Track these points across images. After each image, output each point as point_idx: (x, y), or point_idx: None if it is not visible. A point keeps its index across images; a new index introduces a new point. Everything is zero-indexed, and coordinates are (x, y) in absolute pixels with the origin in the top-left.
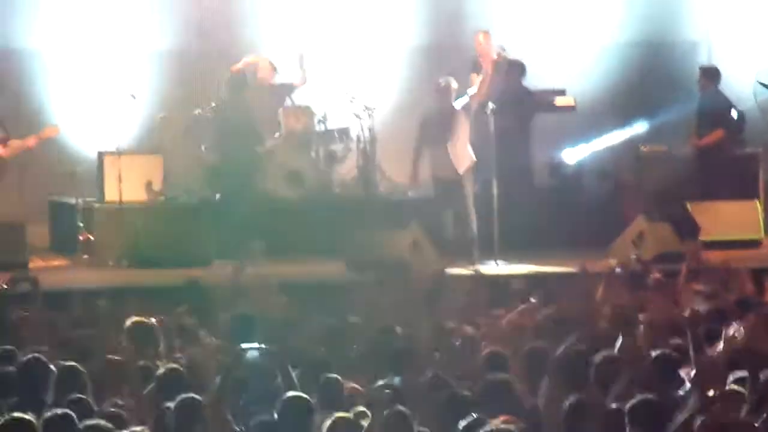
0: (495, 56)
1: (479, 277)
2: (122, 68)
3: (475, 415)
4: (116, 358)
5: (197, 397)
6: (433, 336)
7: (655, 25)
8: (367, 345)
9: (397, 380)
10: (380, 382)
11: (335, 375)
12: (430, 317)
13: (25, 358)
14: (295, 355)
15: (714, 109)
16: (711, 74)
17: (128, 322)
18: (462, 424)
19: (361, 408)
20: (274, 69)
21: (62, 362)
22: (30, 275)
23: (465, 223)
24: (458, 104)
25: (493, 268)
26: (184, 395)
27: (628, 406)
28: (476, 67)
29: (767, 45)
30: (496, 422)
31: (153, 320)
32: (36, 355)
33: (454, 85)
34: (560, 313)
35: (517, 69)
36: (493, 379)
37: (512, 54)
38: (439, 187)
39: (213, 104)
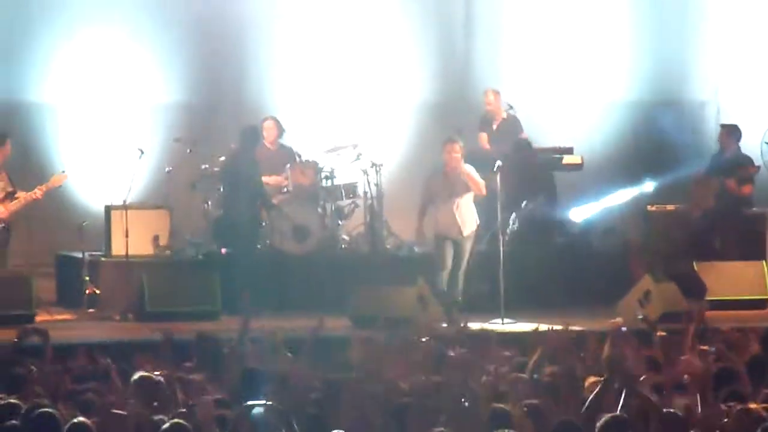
0: (504, 115)
1: (480, 335)
2: (130, 122)
3: None
4: (121, 412)
5: None
6: (438, 392)
7: (663, 84)
8: (372, 400)
9: None
10: None
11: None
12: (436, 373)
13: (35, 413)
14: (299, 410)
15: (739, 165)
16: (732, 131)
17: (135, 377)
18: None
19: None
20: (282, 128)
21: (71, 418)
22: (41, 328)
23: (455, 284)
24: (466, 168)
25: (499, 325)
26: None
27: None
28: (483, 124)
29: None
30: None
31: (158, 375)
32: (47, 410)
33: (461, 144)
34: (564, 371)
35: (519, 127)
36: None
37: (519, 112)
38: (440, 246)
39: (222, 158)
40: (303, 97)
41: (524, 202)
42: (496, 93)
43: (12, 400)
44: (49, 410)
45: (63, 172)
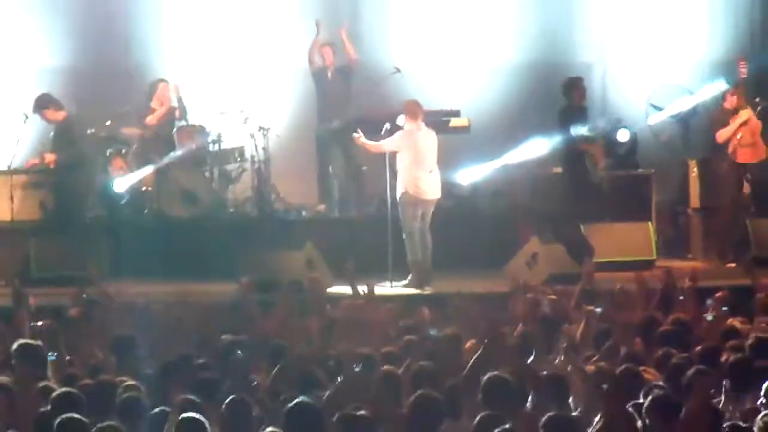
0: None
1: (379, 298)
2: (14, 86)
3: None
4: (4, 378)
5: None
6: (331, 357)
7: (549, 46)
8: (263, 364)
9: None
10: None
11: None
12: (327, 338)
13: None
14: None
15: None
16: None
17: (15, 344)
18: None
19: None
20: (172, 90)
21: None
22: None
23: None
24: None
25: (387, 288)
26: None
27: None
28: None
29: (659, 67)
30: None
31: (39, 342)
32: None
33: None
34: (457, 333)
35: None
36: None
37: (408, 75)
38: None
39: (108, 122)
40: (190, 61)
41: None
42: (330, 45)
43: None
44: None
45: None
